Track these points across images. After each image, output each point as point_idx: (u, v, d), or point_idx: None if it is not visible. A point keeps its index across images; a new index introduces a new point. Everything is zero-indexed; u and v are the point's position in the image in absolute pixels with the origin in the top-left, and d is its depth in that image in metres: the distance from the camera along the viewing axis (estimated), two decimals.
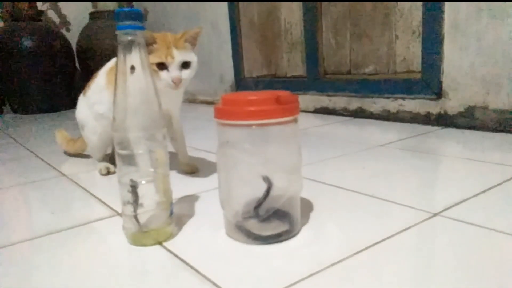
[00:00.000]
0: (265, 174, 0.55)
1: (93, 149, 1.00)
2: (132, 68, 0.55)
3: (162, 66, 0.75)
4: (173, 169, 0.60)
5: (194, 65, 0.79)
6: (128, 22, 0.53)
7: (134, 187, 0.56)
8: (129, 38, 0.53)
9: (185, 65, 0.78)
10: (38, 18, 2.53)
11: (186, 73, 0.78)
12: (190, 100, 2.48)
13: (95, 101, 0.94)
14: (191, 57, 0.78)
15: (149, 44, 0.73)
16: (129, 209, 0.57)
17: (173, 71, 0.76)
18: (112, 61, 0.93)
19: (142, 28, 0.54)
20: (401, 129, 1.27)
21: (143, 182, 0.57)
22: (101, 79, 0.93)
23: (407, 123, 1.33)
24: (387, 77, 1.45)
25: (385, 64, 1.48)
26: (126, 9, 0.52)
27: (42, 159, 1.20)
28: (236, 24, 2.06)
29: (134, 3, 2.92)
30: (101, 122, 0.93)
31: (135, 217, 0.57)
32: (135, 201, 0.56)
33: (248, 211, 0.56)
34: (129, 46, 0.54)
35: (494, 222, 0.57)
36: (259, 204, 0.55)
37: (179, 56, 0.76)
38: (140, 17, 0.53)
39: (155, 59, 0.74)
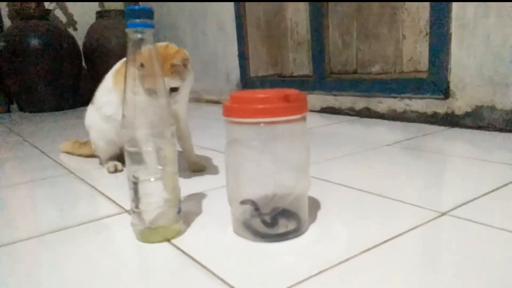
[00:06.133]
0: (245, 199, 0.57)
1: (100, 152, 1.01)
2: (142, 65, 0.55)
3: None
4: (180, 168, 0.60)
5: (183, 89, 0.81)
6: (138, 20, 0.53)
7: (135, 184, 0.56)
8: (139, 36, 0.54)
9: (173, 89, 0.79)
10: (45, 17, 2.55)
11: (171, 99, 0.79)
12: (196, 99, 2.49)
13: (102, 103, 0.95)
14: (178, 83, 0.79)
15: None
16: (133, 205, 0.58)
17: None
18: (119, 63, 0.94)
19: (152, 26, 0.54)
20: (407, 129, 1.26)
21: (152, 179, 0.57)
22: (108, 81, 0.94)
23: (414, 123, 1.33)
24: (393, 76, 1.45)
25: (392, 64, 1.48)
26: (136, 7, 0.53)
27: (50, 157, 1.21)
28: (242, 23, 2.06)
29: (140, 2, 2.93)
30: (110, 124, 0.94)
31: (134, 212, 0.58)
32: (136, 197, 0.57)
33: (255, 209, 0.56)
34: (139, 44, 0.54)
35: (503, 222, 0.57)
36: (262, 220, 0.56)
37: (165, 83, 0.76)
38: (150, 15, 0.54)
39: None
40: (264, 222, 0.56)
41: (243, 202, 0.57)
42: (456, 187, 0.74)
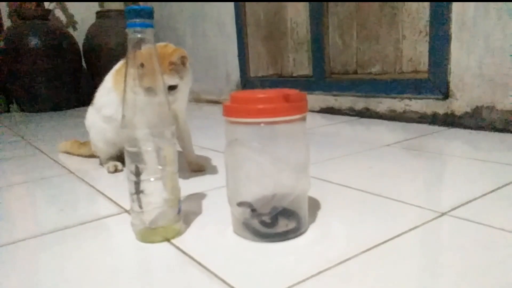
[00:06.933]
0: (240, 201, 0.57)
1: (100, 153, 1.01)
2: (142, 65, 0.55)
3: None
4: (180, 168, 0.60)
5: (181, 87, 0.80)
6: (138, 20, 0.53)
7: (136, 184, 0.57)
8: (139, 35, 0.54)
9: (172, 87, 0.79)
10: (45, 17, 2.55)
11: (170, 98, 0.79)
12: (196, 99, 2.49)
13: (102, 104, 0.95)
14: (176, 81, 0.79)
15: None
16: (132, 205, 0.58)
17: None
18: (119, 64, 0.94)
19: (151, 26, 0.54)
20: (407, 129, 1.26)
21: (152, 179, 0.57)
22: (108, 82, 0.94)
23: (414, 123, 1.33)
24: (393, 77, 1.45)
25: (392, 64, 1.48)
26: (136, 7, 0.53)
27: (49, 157, 1.21)
28: (242, 23, 2.06)
29: (140, 2, 2.93)
30: (110, 125, 0.93)
31: (134, 212, 0.58)
32: (136, 197, 0.57)
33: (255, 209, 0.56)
34: (139, 43, 0.54)
35: (502, 222, 0.57)
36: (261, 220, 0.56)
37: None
38: (150, 15, 0.54)
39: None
40: (262, 223, 0.56)
41: (240, 204, 0.57)
42: (455, 187, 0.74)
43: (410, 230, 0.56)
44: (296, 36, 1.83)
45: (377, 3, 1.48)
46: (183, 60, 0.79)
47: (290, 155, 0.56)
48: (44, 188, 0.90)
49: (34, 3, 2.48)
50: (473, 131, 1.16)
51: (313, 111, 1.69)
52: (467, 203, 0.64)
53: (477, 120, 1.18)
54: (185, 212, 0.64)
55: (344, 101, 1.58)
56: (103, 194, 0.83)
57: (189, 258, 0.52)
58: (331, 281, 0.45)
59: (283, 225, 0.56)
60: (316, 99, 1.68)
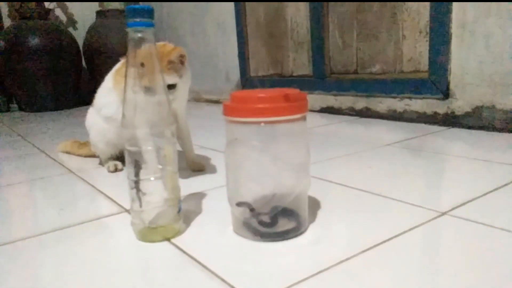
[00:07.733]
0: (239, 201, 0.57)
1: (100, 153, 1.01)
2: (142, 65, 0.55)
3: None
4: (180, 167, 0.60)
5: (180, 86, 0.80)
6: (138, 19, 0.53)
7: (136, 183, 0.57)
8: (139, 35, 0.54)
9: (171, 86, 0.78)
10: (46, 16, 2.55)
11: (170, 97, 0.79)
12: (196, 99, 2.49)
13: (103, 104, 0.95)
14: (175, 79, 0.79)
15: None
16: (133, 205, 0.58)
17: None
18: (119, 64, 0.94)
19: (152, 25, 0.54)
20: (407, 128, 1.26)
21: (152, 178, 0.57)
22: (108, 82, 0.93)
23: (414, 123, 1.33)
24: (393, 76, 1.45)
25: (392, 64, 1.48)
26: (137, 6, 0.53)
27: (49, 156, 1.21)
28: (242, 23, 2.06)
29: (140, 2, 2.93)
30: (111, 125, 0.93)
31: (134, 211, 0.58)
32: (136, 196, 0.57)
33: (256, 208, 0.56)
34: (139, 43, 0.54)
35: (503, 221, 0.57)
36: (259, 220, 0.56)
37: None
38: (150, 14, 0.54)
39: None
40: (261, 223, 0.56)
41: (239, 204, 0.57)
42: (456, 187, 0.74)
43: (410, 229, 0.56)
44: (296, 36, 1.83)
45: (377, 3, 1.48)
46: (181, 59, 0.79)
47: (290, 154, 0.56)
48: (44, 188, 0.90)
49: (34, 2, 2.47)
50: (473, 131, 1.16)
51: (313, 110, 1.69)
52: (467, 202, 0.64)
53: (477, 120, 1.18)
54: (185, 212, 0.64)
55: (344, 100, 1.58)
56: (103, 193, 0.83)
57: (189, 258, 0.52)
58: (331, 281, 0.45)
59: (283, 224, 0.56)
60: (316, 99, 1.68)
